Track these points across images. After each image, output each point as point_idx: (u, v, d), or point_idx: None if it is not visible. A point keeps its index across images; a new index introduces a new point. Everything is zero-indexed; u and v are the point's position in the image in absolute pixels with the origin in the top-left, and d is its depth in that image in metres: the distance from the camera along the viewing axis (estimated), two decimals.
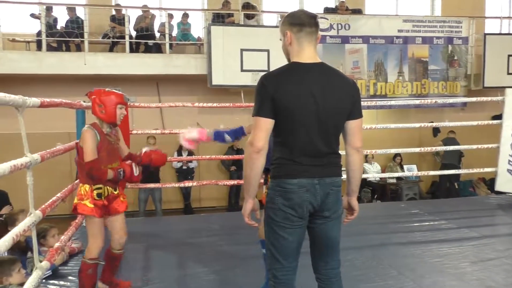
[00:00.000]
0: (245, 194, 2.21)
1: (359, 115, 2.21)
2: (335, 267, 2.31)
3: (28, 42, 8.66)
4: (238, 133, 3.27)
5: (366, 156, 9.55)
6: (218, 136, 3.28)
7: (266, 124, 2.07)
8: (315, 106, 2.07)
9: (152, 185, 6.71)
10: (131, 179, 3.16)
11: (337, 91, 2.13)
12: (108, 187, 3.06)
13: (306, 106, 2.07)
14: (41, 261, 2.87)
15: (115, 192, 3.14)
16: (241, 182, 7.90)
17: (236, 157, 8.13)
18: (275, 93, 2.05)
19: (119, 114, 3.05)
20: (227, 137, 3.25)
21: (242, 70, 8.54)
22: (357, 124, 2.20)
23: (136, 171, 3.13)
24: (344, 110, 2.15)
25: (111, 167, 3.04)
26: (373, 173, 9.33)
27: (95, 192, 2.99)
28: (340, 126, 2.18)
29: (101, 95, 3.04)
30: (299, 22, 2.19)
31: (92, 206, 2.97)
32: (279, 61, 8.54)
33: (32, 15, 8.44)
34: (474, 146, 6.88)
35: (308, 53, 2.20)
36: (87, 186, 2.99)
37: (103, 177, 2.95)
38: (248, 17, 9.17)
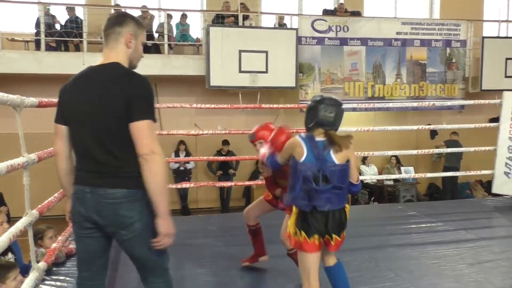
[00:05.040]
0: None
1: (141, 117, 1.93)
2: None
3: (27, 41, 8.65)
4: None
5: (364, 158, 9.56)
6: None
7: (56, 129, 2.12)
8: (83, 110, 1.99)
9: None
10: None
11: (105, 91, 1.97)
12: None
13: (75, 111, 2.03)
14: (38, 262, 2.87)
15: None
16: (238, 183, 7.91)
17: (234, 158, 8.13)
18: (59, 97, 2.13)
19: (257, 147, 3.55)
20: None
21: (240, 71, 8.54)
22: (138, 127, 1.93)
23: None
24: (113, 112, 1.94)
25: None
26: (370, 175, 9.35)
27: None
28: (115, 129, 1.95)
29: None
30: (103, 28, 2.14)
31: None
32: (277, 62, 8.68)
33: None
34: (472, 149, 6.90)
35: (102, 56, 2.12)
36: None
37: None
38: (244, 17, 9.17)
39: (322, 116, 2.53)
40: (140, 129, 1.92)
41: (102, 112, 1.95)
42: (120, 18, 2.10)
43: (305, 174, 2.47)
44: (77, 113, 2.02)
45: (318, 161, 2.48)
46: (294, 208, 2.59)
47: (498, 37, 10.33)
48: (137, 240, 2.00)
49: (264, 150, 3.10)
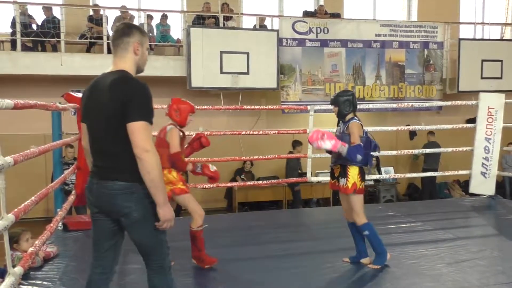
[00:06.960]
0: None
1: (134, 119, 2.17)
2: (153, 270, 2.45)
3: (2, 41, 8.47)
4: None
5: None
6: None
7: (82, 128, 2.45)
8: (92, 112, 2.31)
9: None
10: (207, 174, 3.86)
11: (102, 95, 2.24)
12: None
13: (87, 112, 2.37)
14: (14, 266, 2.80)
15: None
16: (221, 185, 7.86)
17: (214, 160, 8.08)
18: (81, 99, 2.46)
19: (189, 120, 3.85)
20: (359, 157, 3.57)
21: (221, 73, 8.52)
22: (132, 127, 2.16)
23: (212, 167, 3.87)
24: (109, 113, 2.21)
25: (189, 160, 3.88)
26: None
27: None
28: (114, 129, 2.21)
29: (179, 103, 3.83)
30: None
31: (184, 187, 3.74)
32: (258, 63, 8.65)
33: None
34: (450, 149, 7.03)
35: (112, 64, 2.37)
36: (174, 173, 3.69)
37: (183, 166, 3.68)
38: (225, 18, 9.16)
39: (355, 103, 3.82)
40: (133, 130, 2.16)
41: (104, 114, 2.23)
42: (127, 29, 2.36)
43: (374, 143, 3.76)
44: (88, 114, 2.35)
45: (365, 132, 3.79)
46: (354, 169, 3.66)
47: (474, 39, 10.55)
48: (134, 226, 2.29)
49: (330, 143, 3.56)
